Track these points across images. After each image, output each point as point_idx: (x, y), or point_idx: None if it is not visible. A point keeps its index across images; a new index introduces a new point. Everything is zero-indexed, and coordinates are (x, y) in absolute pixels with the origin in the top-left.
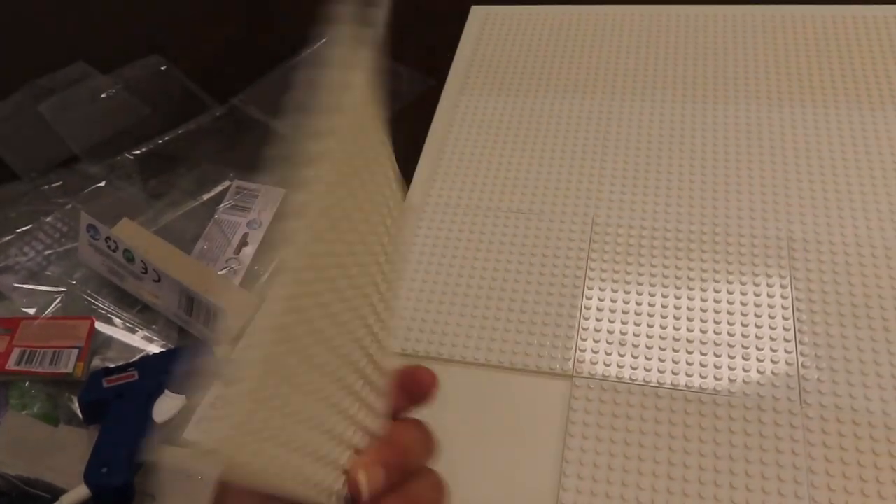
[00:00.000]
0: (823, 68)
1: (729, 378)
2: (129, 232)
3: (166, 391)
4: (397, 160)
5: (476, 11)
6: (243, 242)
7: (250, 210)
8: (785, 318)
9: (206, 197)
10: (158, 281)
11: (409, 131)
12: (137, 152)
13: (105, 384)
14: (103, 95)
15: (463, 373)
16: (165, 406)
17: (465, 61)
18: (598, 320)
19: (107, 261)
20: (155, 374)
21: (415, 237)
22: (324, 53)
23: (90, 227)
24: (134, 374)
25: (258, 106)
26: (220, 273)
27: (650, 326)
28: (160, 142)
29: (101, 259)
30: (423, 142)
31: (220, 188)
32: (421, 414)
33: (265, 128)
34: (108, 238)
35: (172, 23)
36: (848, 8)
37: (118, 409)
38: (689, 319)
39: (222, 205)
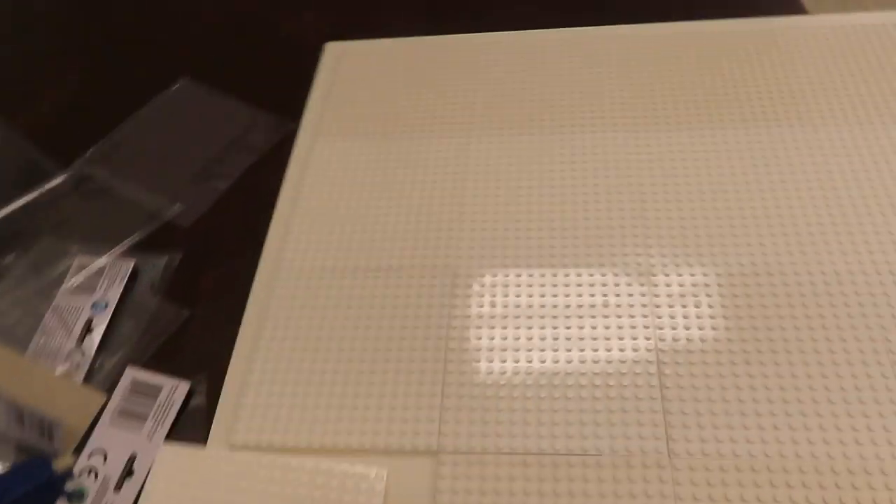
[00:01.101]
0: (693, 86)
1: (596, 435)
2: None
3: None
4: (254, 218)
5: (331, 48)
6: (87, 329)
7: (95, 289)
8: (649, 370)
9: (44, 281)
10: None
11: (266, 184)
12: None
13: None
14: None
15: (308, 462)
16: None
17: (319, 103)
18: (461, 385)
19: None
20: None
21: (266, 308)
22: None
23: None
24: None
25: (104, 166)
26: (60, 370)
27: (514, 386)
28: None
29: None
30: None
31: (60, 268)
32: None
33: (112, 191)
34: None
35: (6, 79)
36: (746, 21)
37: None
38: (554, 375)
39: (62, 287)
